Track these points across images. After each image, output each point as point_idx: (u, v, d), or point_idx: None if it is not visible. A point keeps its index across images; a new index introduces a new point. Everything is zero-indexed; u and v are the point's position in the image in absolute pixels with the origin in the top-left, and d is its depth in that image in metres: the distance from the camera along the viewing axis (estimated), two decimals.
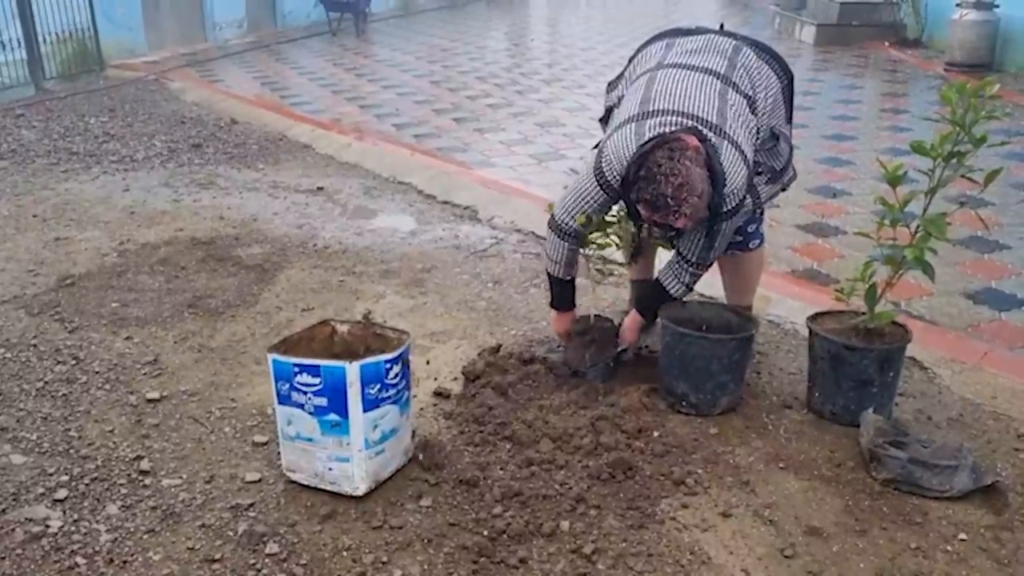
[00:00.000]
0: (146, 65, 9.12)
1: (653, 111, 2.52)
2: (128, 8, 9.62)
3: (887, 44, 10.17)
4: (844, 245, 4.18)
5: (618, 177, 2.51)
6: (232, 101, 7.58)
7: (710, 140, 2.44)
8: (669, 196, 2.34)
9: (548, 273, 2.93)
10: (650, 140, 2.42)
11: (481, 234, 4.40)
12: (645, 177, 2.37)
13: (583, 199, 2.66)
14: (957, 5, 8.46)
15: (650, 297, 2.89)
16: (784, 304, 3.48)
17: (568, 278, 2.91)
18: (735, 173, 2.48)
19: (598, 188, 2.61)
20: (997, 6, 8.29)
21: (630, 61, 2.91)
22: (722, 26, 2.92)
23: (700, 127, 2.46)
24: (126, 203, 4.83)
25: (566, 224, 2.73)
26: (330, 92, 8.09)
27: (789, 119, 2.84)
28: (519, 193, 4.98)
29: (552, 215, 2.78)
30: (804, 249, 4.14)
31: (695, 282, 2.82)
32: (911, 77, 8.67)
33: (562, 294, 2.96)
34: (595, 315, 2.98)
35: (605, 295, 3.59)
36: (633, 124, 2.53)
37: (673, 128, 2.45)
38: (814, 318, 2.78)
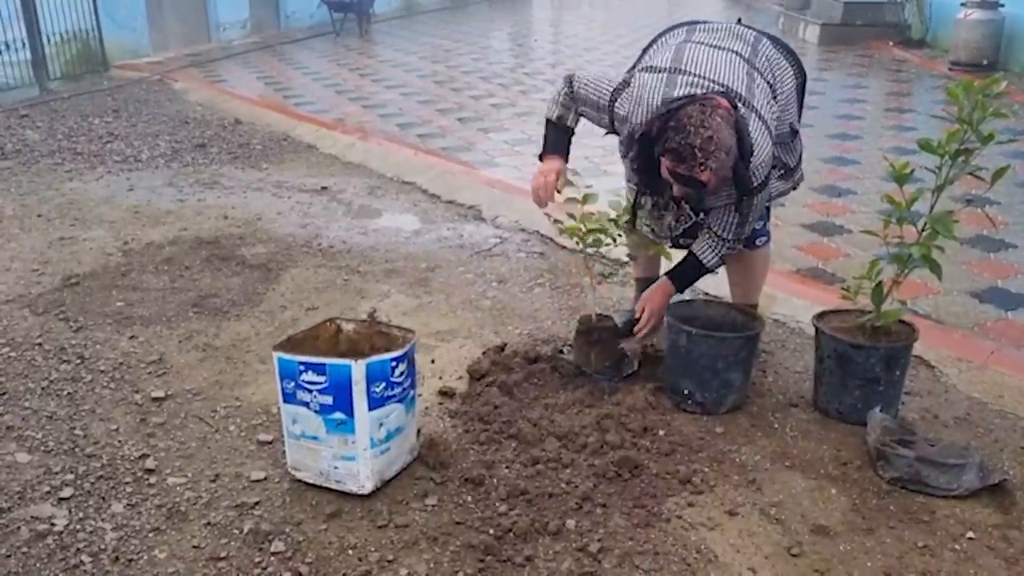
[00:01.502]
0: (150, 66, 9.13)
1: (685, 71, 2.52)
2: (132, 9, 9.65)
3: (891, 44, 10.16)
4: (849, 244, 4.17)
5: (633, 120, 2.53)
6: (236, 101, 7.59)
7: (740, 109, 2.45)
8: (697, 147, 2.32)
9: (547, 120, 2.94)
10: (680, 98, 2.42)
11: (485, 233, 4.40)
12: (674, 127, 2.36)
13: (593, 88, 2.71)
14: (962, 4, 8.44)
15: (684, 266, 2.86)
16: (789, 303, 3.47)
17: (562, 122, 2.88)
18: (762, 146, 2.48)
19: (606, 101, 2.65)
20: (1002, 5, 8.28)
21: (644, 51, 2.88)
22: (739, 21, 2.91)
23: (731, 95, 2.46)
24: (130, 203, 4.84)
25: (571, 84, 2.77)
26: (334, 92, 8.09)
27: (799, 119, 2.83)
28: (523, 193, 4.94)
29: (571, 73, 2.81)
30: (809, 248, 4.13)
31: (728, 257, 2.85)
32: (915, 77, 8.66)
33: (554, 138, 2.92)
34: (597, 314, 2.97)
35: (609, 294, 3.59)
36: (665, 75, 2.52)
37: (704, 91, 2.45)
38: (820, 317, 2.78)
